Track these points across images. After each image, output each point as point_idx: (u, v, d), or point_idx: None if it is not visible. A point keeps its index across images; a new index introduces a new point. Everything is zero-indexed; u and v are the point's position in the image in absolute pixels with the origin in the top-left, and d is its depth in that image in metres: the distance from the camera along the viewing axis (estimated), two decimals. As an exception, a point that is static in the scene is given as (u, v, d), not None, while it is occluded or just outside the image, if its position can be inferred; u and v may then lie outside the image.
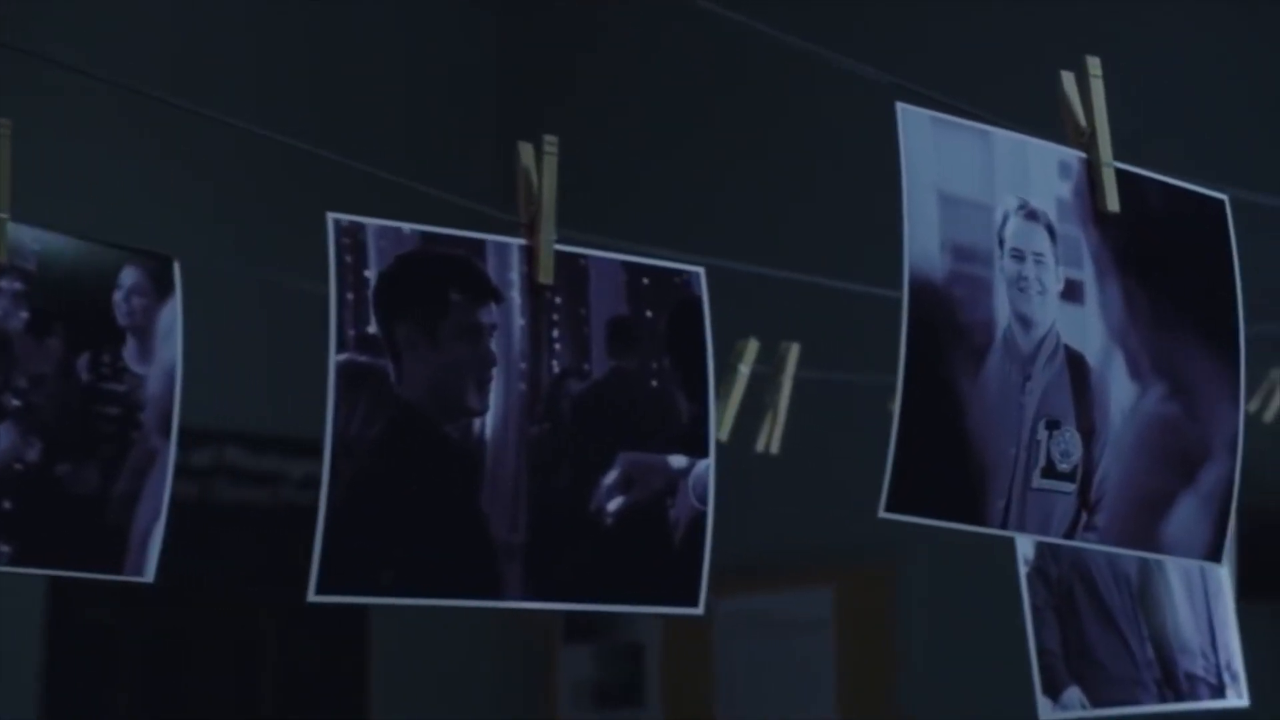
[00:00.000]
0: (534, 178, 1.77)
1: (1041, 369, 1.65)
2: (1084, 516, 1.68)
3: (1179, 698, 2.27)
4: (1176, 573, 2.28)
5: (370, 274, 1.67)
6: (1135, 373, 1.71)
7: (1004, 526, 1.61)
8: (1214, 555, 1.76)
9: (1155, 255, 1.74)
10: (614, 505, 1.79)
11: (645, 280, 1.83)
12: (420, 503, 1.67)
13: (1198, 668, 2.30)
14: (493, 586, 1.71)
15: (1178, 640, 2.27)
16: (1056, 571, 2.23)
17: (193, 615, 5.49)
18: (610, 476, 1.79)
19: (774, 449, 2.51)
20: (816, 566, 5.44)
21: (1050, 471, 1.65)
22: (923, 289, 1.57)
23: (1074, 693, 2.20)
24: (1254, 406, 3.09)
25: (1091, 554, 2.20)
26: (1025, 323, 1.65)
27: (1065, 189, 1.70)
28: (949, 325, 1.58)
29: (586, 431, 1.78)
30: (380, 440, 1.66)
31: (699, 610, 1.82)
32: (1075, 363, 1.68)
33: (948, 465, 1.57)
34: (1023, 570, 2.22)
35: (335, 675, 5.80)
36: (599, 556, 1.77)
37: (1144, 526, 1.71)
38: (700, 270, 1.85)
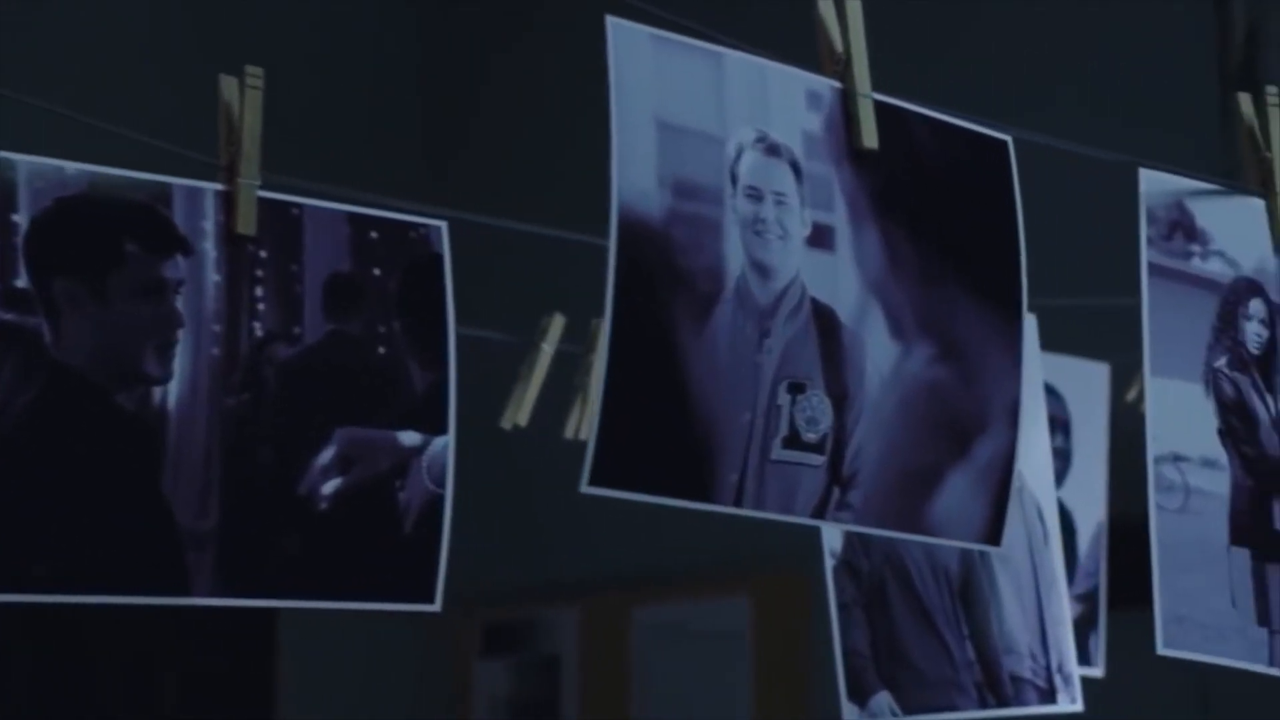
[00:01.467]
0: (235, 113, 1.54)
1: (783, 324, 1.42)
2: (836, 493, 1.45)
3: (1002, 703, 2.03)
4: (1004, 566, 2.05)
5: (20, 219, 1.44)
6: (897, 331, 1.48)
7: (738, 504, 1.37)
8: (991, 538, 1.53)
9: (923, 200, 1.50)
10: (329, 488, 1.55)
11: (374, 234, 1.60)
12: (84, 484, 1.43)
13: (1025, 670, 2.07)
14: (178, 581, 1.47)
15: (1003, 640, 2.04)
16: (867, 565, 1.99)
17: (91, 621, 5.24)
18: (325, 455, 1.55)
19: (583, 435, 2.28)
20: (733, 576, 5.23)
21: (794, 441, 1.42)
22: (635, 228, 1.33)
23: (883, 698, 1.97)
24: (1133, 395, 2.86)
25: (907, 546, 1.97)
26: (763, 271, 1.42)
27: (815, 122, 1.47)
28: (667, 271, 1.34)
29: (296, 404, 1.54)
30: (31, 410, 1.42)
31: (435, 606, 1.59)
32: (824, 318, 1.44)
33: (666, 432, 1.34)
34: (829, 564, 1.99)
35: (240, 689, 5.56)
36: (311, 546, 1.53)
37: (907, 505, 1.48)
38: (442, 224, 1.62)
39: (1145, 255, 1.66)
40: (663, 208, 1.34)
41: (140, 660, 5.42)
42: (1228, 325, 1.71)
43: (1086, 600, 2.75)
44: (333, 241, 1.58)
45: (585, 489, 1.28)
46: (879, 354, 1.46)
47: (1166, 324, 1.66)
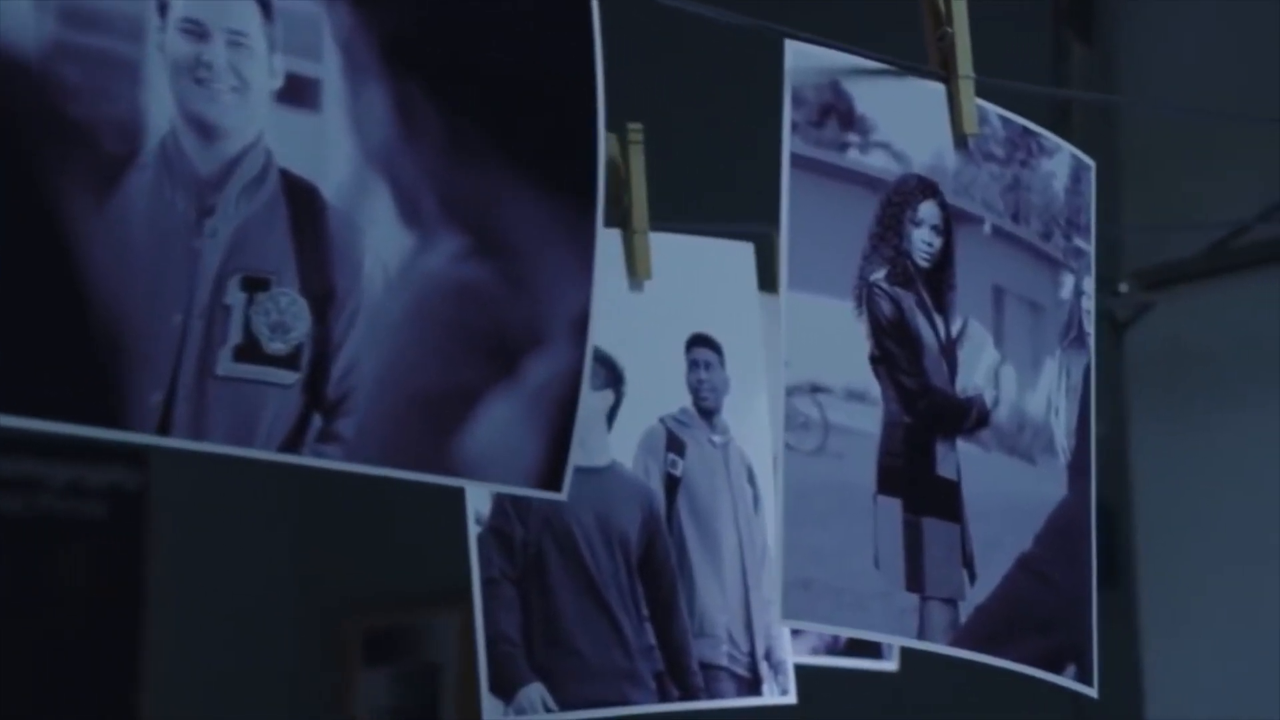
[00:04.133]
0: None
1: (235, 201, 1.05)
2: (317, 421, 1.08)
3: (688, 695, 1.67)
4: (700, 535, 1.70)
5: None
6: (412, 217, 1.12)
7: (164, 431, 1.00)
8: (548, 481, 1.17)
9: (458, 52, 1.14)
10: None
11: None
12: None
13: (720, 657, 1.72)
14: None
15: (695, 622, 1.69)
16: (522, 533, 1.63)
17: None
18: None
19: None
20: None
21: (251, 353, 1.04)
22: (7, 68, 0.98)
23: (534, 691, 1.61)
24: None
25: (575, 511, 1.62)
26: (205, 131, 1.04)
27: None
28: (49, 123, 0.99)
29: None
30: None
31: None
32: (300, 196, 1.06)
33: (61, 339, 0.98)
34: (472, 532, 1.63)
35: (105, 697, 5.19)
36: None
37: (426, 438, 1.11)
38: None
39: (787, 144, 1.32)
40: (43, 39, 0.98)
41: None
42: (890, 231, 1.36)
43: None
44: None
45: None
46: (383, 245, 1.10)
47: (811, 228, 1.31)
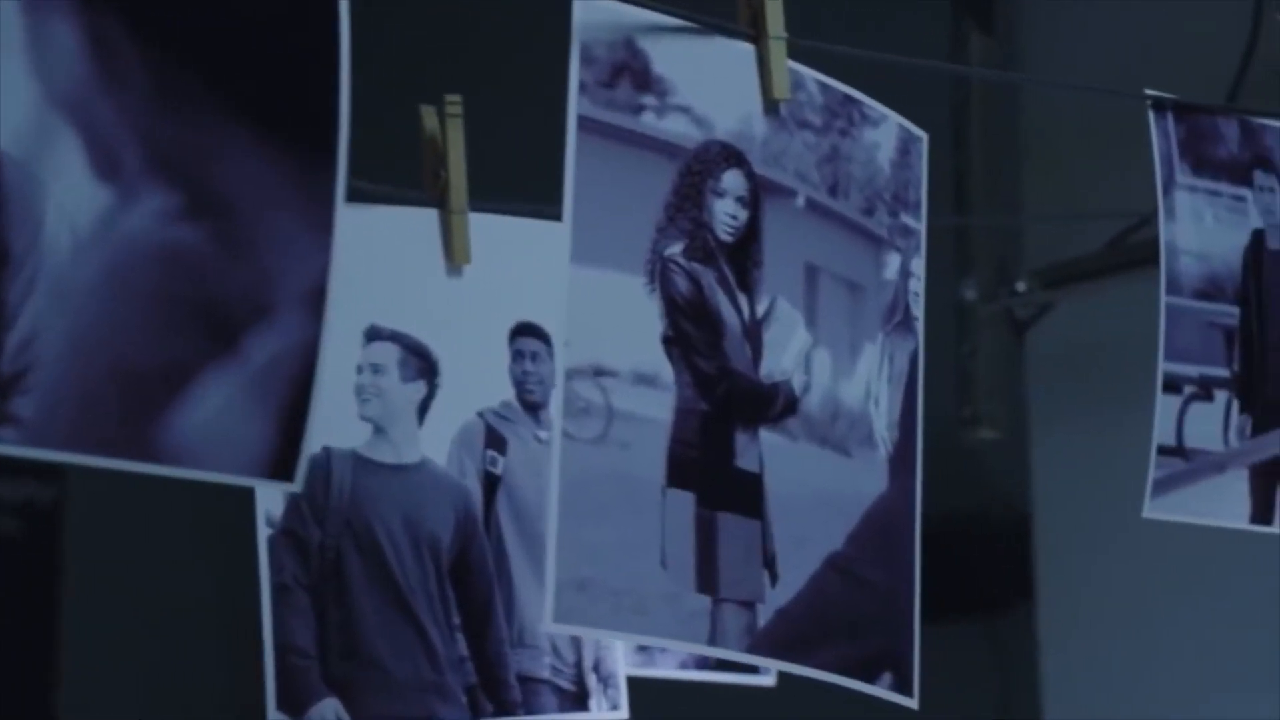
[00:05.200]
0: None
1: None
2: (-10, 400, 0.95)
3: (504, 710, 1.52)
4: (521, 537, 1.56)
5: None
6: (107, 170, 0.97)
7: None
8: (279, 470, 1.03)
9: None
10: None
11: None
12: None
13: (542, 669, 1.57)
14: None
15: (516, 631, 1.55)
16: (319, 536, 1.49)
17: None
18: None
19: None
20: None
21: (-98, 321, 0.92)
22: None
23: (328, 706, 1.46)
24: None
25: (379, 509, 1.48)
26: None
27: None
28: None
29: None
30: None
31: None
32: None
33: None
34: (263, 535, 1.49)
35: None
36: None
37: (124, 419, 0.95)
38: None
39: (574, 106, 1.19)
40: None
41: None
42: (688, 202, 1.23)
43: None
44: None
45: None
46: (71, 200, 0.95)
47: (598, 197, 1.18)
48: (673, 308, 1.18)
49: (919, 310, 1.36)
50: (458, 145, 1.53)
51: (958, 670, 3.59)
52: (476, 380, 1.56)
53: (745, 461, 1.19)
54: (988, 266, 3.37)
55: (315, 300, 1.03)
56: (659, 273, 1.18)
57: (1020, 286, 3.33)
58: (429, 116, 1.54)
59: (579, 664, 1.62)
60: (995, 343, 3.44)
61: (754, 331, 1.22)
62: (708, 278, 1.20)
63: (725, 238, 1.22)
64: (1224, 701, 2.94)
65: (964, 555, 3.58)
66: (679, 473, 1.15)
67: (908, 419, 1.32)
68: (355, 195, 1.53)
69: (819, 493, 1.23)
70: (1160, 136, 1.53)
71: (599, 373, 1.14)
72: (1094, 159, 3.10)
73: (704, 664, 2.03)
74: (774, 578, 1.19)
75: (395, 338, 1.51)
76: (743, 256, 1.23)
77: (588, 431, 1.13)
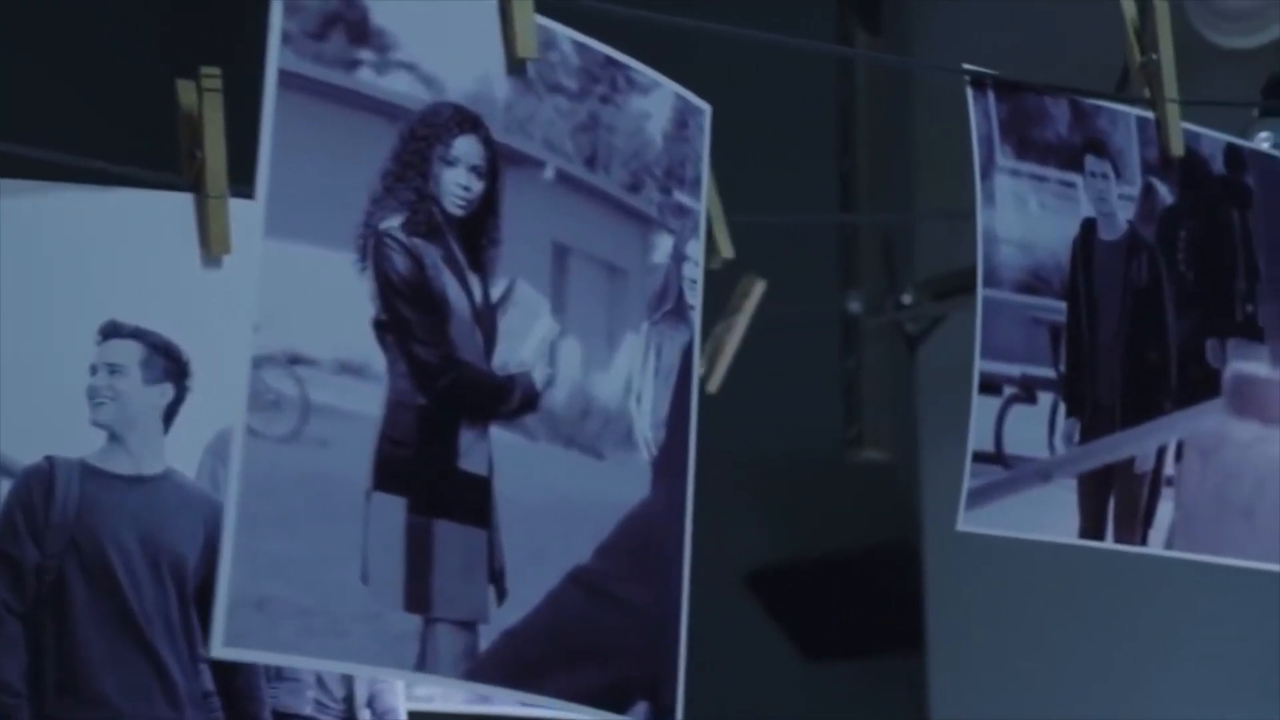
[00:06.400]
0: None
1: None
2: None
3: (254, 747, 1.41)
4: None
5: None
6: None
7: None
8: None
9: None
10: None
11: None
12: None
13: (305, 704, 1.43)
14: None
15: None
16: (37, 557, 1.36)
17: None
18: None
19: None
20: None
21: None
22: None
23: (48, 746, 1.33)
24: (702, 369, 2.29)
25: (114, 526, 1.35)
26: None
27: None
28: None
29: None
30: None
31: None
32: None
33: None
34: (-31, 555, 1.35)
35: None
36: None
37: None
38: None
39: (274, 59, 1.07)
40: None
41: None
42: (411, 171, 1.10)
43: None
44: None
45: None
46: None
47: (301, 162, 1.05)
48: (388, 288, 1.05)
49: (695, 298, 1.24)
50: (215, 123, 1.41)
51: (842, 714, 3.47)
52: (235, 383, 1.44)
53: (471, 463, 1.06)
54: (874, 277, 3.27)
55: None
56: (372, 249, 1.06)
57: (907, 299, 3.23)
58: (185, 91, 1.42)
59: (349, 699, 1.49)
60: (883, 358, 3.34)
61: (487, 317, 1.10)
62: (432, 255, 1.08)
63: (455, 211, 1.10)
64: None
65: (847, 588, 3.47)
66: (388, 475, 1.03)
67: (678, 418, 1.20)
68: (98, 177, 1.41)
69: (563, 499, 1.11)
70: (980, 116, 1.42)
71: (295, 361, 1.01)
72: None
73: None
74: (502, 594, 1.06)
75: (138, 335, 1.38)
76: (476, 233, 1.10)
77: (277, 428, 1.00)
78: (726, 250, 1.84)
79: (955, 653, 3.15)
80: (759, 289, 2.22)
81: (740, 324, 2.20)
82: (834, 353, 3.38)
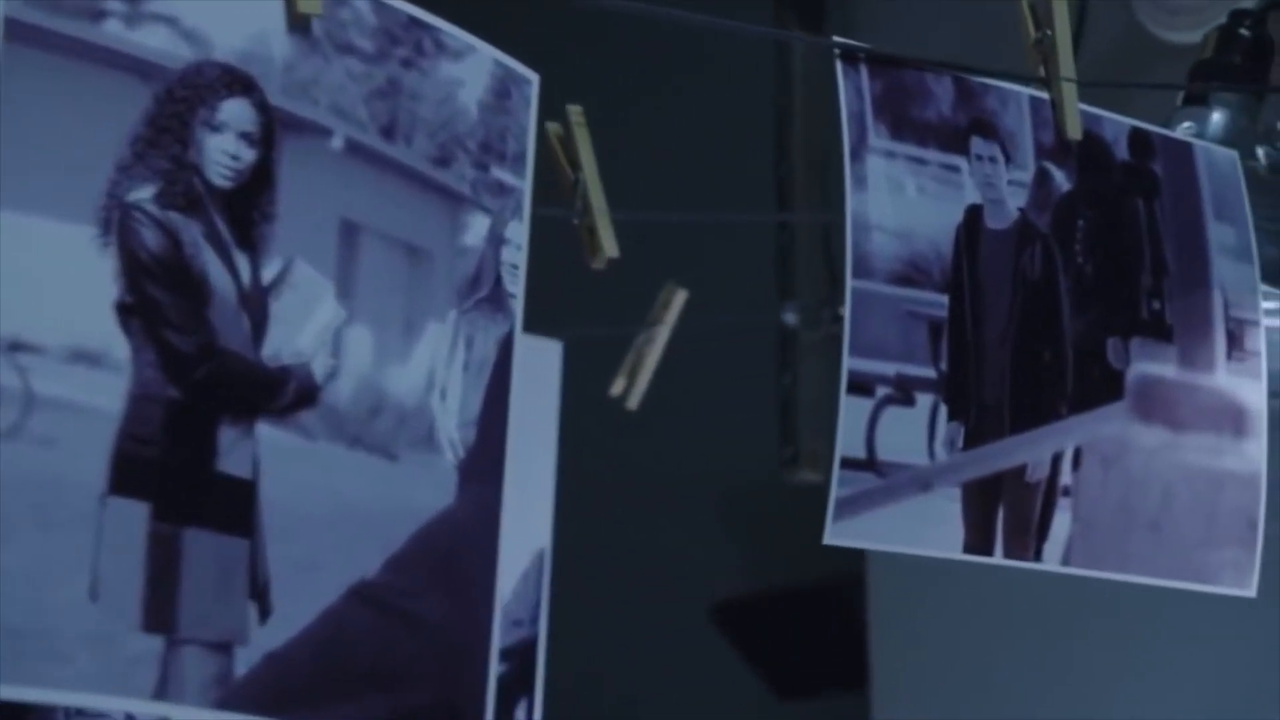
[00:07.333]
0: None
1: None
2: None
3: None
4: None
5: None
6: None
7: None
8: None
9: None
10: None
11: None
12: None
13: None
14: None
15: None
16: None
17: None
18: None
19: None
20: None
21: None
22: None
23: None
24: (619, 387, 2.19)
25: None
26: None
27: None
28: None
29: None
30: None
31: None
32: None
33: None
34: None
35: None
36: None
37: None
38: None
39: (1, 6, 0.95)
40: None
41: None
42: (167, 136, 0.99)
43: (515, 657, 2.03)
44: None
45: None
46: None
47: (32, 124, 0.94)
48: (135, 267, 0.94)
49: (516, 285, 1.13)
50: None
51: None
52: None
53: (231, 464, 0.95)
54: (811, 289, 3.15)
55: None
56: (117, 223, 0.94)
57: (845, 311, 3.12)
58: None
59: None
60: (821, 373, 3.21)
61: (256, 300, 0.98)
62: (190, 232, 0.97)
63: (221, 183, 0.98)
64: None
65: (782, 620, 3.35)
66: (129, 477, 0.91)
67: (491, 417, 1.08)
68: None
69: (345, 506, 0.99)
70: (850, 92, 1.31)
71: (16, 348, 0.90)
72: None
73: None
74: (265, 612, 0.94)
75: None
76: (246, 206, 0.99)
77: (-5, 423, 0.89)
78: (611, 249, 1.73)
79: (896, 689, 3.03)
80: (680, 298, 2.10)
81: (661, 336, 2.09)
82: (768, 369, 3.27)
